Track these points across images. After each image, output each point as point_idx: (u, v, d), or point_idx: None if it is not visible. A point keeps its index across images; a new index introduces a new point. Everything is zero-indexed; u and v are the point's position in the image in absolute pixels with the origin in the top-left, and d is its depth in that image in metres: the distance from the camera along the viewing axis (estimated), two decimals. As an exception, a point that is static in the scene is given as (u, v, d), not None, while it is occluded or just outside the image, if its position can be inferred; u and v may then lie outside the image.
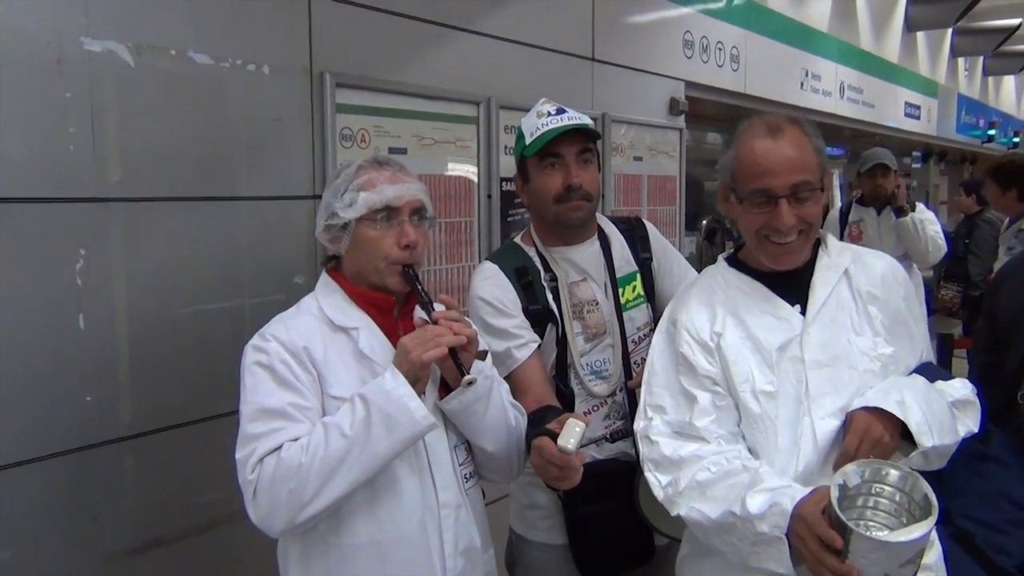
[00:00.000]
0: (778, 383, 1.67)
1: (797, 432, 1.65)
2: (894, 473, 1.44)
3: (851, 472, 1.45)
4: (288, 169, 2.54)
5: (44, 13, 1.96)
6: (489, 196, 3.31)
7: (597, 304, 2.13)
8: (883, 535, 1.40)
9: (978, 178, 8.15)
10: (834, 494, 1.40)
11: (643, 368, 1.87)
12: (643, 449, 1.74)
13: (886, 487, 1.45)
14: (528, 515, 2.19)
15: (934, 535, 1.55)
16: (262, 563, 2.38)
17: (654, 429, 1.73)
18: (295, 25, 2.54)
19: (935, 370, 1.79)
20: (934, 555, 1.68)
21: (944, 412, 1.65)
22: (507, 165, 3.38)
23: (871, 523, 1.45)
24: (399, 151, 2.87)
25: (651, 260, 2.25)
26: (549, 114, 2.07)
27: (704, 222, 7.07)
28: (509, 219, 3.43)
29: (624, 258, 2.21)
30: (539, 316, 2.08)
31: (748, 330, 1.72)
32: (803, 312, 1.72)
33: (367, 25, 2.77)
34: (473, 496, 1.83)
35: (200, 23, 2.27)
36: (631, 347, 2.16)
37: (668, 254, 2.31)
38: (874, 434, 1.59)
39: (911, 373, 1.74)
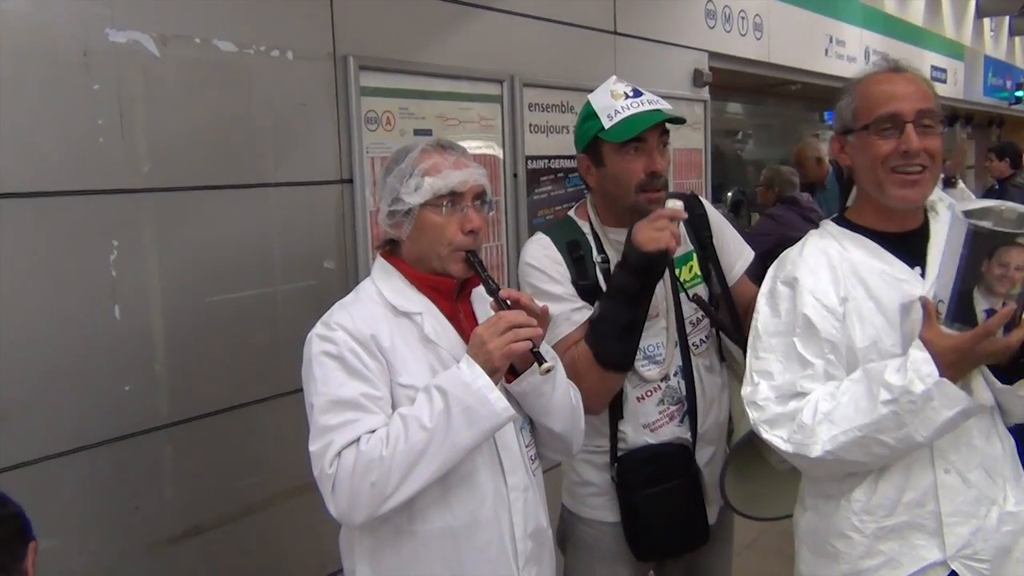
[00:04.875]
0: (902, 346, 1.66)
1: None
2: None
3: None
4: (315, 154, 2.53)
5: (69, 6, 1.95)
6: (515, 175, 3.29)
7: None
8: None
9: (1008, 141, 8.01)
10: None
11: None
12: (753, 414, 1.73)
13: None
14: (579, 492, 2.18)
15: None
16: (299, 547, 2.41)
17: (760, 394, 1.71)
18: (317, 9, 2.53)
19: None
20: None
21: None
22: (532, 144, 3.36)
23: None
24: (424, 132, 2.85)
25: (711, 237, 2.19)
26: (626, 95, 1.99)
27: (730, 194, 7.02)
28: (535, 197, 3.41)
29: (681, 238, 2.11)
30: (588, 292, 2.02)
31: (869, 290, 1.70)
32: (922, 275, 1.71)
33: (388, 7, 2.75)
34: (538, 476, 1.82)
35: (223, 10, 2.26)
36: (688, 328, 2.11)
37: (725, 230, 2.26)
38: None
39: None
